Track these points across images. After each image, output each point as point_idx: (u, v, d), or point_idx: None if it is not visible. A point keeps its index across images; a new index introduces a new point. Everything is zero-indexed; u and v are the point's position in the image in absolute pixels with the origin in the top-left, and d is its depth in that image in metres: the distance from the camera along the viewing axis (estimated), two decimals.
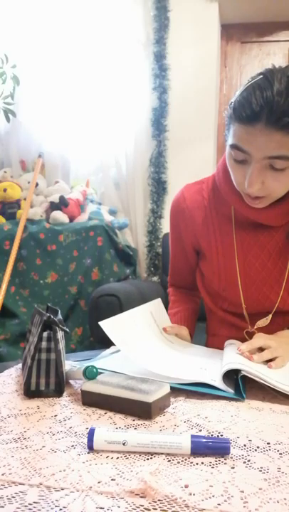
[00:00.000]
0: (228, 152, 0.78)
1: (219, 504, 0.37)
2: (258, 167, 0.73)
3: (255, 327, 0.90)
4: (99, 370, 0.64)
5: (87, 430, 0.50)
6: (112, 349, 0.89)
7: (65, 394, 0.65)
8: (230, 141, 0.76)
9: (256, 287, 0.91)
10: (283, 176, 0.73)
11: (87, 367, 0.62)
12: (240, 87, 0.74)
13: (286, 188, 0.76)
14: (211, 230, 0.94)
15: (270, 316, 0.89)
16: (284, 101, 0.67)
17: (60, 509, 0.37)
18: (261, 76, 0.70)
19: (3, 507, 0.37)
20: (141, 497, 0.39)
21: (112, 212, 2.45)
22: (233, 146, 0.74)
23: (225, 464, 0.44)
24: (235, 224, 0.91)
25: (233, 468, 0.43)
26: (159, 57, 2.42)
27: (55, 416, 0.57)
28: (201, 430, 0.52)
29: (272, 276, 0.90)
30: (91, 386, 0.60)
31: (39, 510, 0.37)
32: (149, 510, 0.37)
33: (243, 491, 0.39)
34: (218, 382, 0.65)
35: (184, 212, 0.96)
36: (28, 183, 2.28)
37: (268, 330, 0.85)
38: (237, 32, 2.70)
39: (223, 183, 0.88)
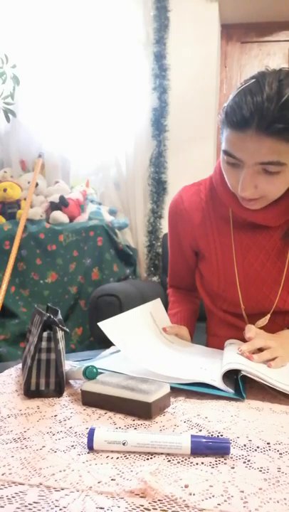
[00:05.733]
0: (221, 156, 0.78)
1: (219, 504, 0.37)
2: (251, 172, 0.73)
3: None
4: (99, 370, 0.64)
5: (87, 430, 0.50)
6: (112, 349, 0.89)
7: (65, 394, 0.65)
8: (222, 146, 0.76)
9: (256, 287, 0.91)
10: (276, 180, 0.73)
11: (87, 367, 0.62)
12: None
13: (280, 190, 0.77)
14: (209, 231, 0.94)
15: (269, 315, 0.89)
16: (274, 107, 0.66)
17: (60, 509, 0.37)
18: (253, 80, 0.70)
19: (3, 507, 0.37)
20: (141, 497, 0.39)
21: (112, 212, 2.45)
22: (226, 152, 0.74)
23: (225, 464, 0.44)
24: (233, 225, 0.92)
25: (233, 468, 0.43)
26: (159, 57, 2.42)
27: (55, 416, 0.57)
28: (201, 430, 0.52)
29: (271, 276, 0.90)
30: (91, 386, 0.60)
31: (39, 510, 0.37)
32: (149, 510, 0.37)
33: (243, 491, 0.39)
34: (218, 382, 0.65)
35: (181, 214, 0.97)
36: (28, 183, 2.28)
37: (269, 330, 0.85)
38: (237, 32, 2.70)
39: (219, 185, 0.88)
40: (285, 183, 0.75)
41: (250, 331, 0.78)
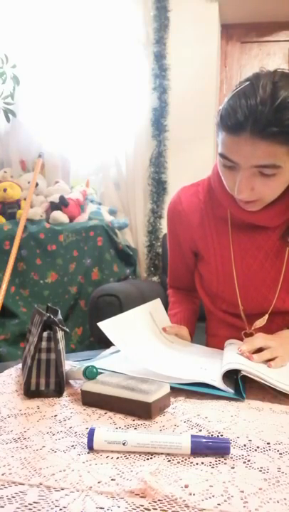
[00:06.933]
0: (218, 159, 0.78)
1: (219, 504, 0.37)
2: (247, 175, 0.73)
3: (253, 328, 0.90)
4: (99, 370, 0.64)
5: (87, 430, 0.50)
6: (112, 349, 0.89)
7: (65, 394, 0.65)
8: (218, 149, 0.76)
9: (255, 288, 0.91)
10: (272, 182, 0.73)
11: (87, 367, 0.62)
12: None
13: (277, 192, 0.77)
14: (208, 231, 0.94)
15: (267, 315, 0.89)
16: (268, 110, 0.66)
17: (60, 509, 0.37)
18: (247, 83, 0.70)
19: (3, 507, 0.37)
20: (141, 497, 0.39)
21: (112, 212, 2.45)
22: (221, 155, 0.74)
23: (225, 464, 0.44)
24: (231, 225, 0.92)
25: (233, 468, 0.43)
26: (159, 57, 2.42)
27: (55, 416, 0.57)
28: (201, 430, 0.52)
29: (270, 276, 0.90)
30: (91, 386, 0.60)
31: (39, 510, 0.37)
32: (149, 510, 0.37)
33: (243, 491, 0.39)
34: (218, 382, 0.65)
35: (180, 215, 0.97)
36: (28, 183, 2.28)
37: (268, 330, 0.85)
38: (237, 32, 2.70)
39: (217, 186, 0.88)
40: (282, 184, 0.75)
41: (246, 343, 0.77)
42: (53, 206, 2.23)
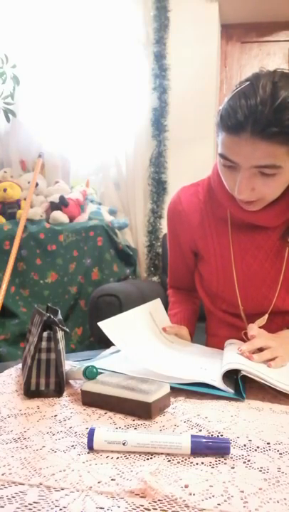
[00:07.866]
0: (218, 159, 0.78)
1: (219, 504, 0.37)
2: (247, 175, 0.73)
3: None
4: (99, 370, 0.64)
5: (87, 430, 0.50)
6: (112, 349, 0.89)
7: (65, 394, 0.65)
8: (218, 149, 0.76)
9: (255, 287, 0.91)
10: (273, 182, 0.73)
11: (87, 367, 0.62)
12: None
13: (277, 192, 0.77)
14: (208, 231, 0.94)
15: (267, 315, 0.89)
16: (268, 110, 0.66)
17: (60, 509, 0.37)
18: (247, 83, 0.70)
19: (3, 507, 0.37)
20: (141, 497, 0.39)
21: (112, 212, 2.45)
22: (222, 156, 0.74)
23: (225, 464, 0.44)
24: (231, 225, 0.92)
25: (233, 468, 0.43)
26: (159, 57, 2.42)
27: (55, 416, 0.57)
28: (201, 430, 0.52)
29: (270, 276, 0.90)
30: (91, 386, 0.60)
31: (39, 510, 0.37)
32: (149, 510, 0.37)
33: (243, 491, 0.39)
34: (218, 382, 0.65)
35: (180, 215, 0.97)
36: (28, 183, 2.28)
37: (268, 330, 0.85)
38: (237, 32, 2.70)
39: (217, 186, 0.88)
40: (282, 184, 0.75)
41: (253, 329, 0.78)
42: (53, 206, 2.23)
